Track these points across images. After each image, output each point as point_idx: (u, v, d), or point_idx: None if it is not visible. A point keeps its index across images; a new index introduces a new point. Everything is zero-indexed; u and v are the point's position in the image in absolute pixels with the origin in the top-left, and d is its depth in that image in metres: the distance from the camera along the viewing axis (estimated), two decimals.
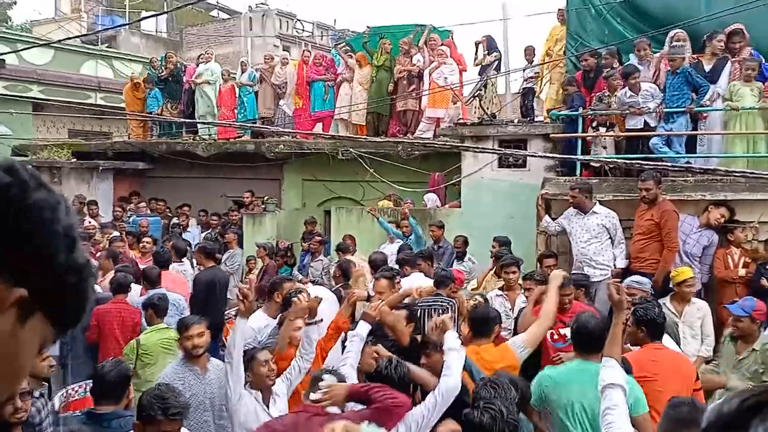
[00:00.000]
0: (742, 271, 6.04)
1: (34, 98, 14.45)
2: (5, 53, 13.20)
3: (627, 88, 7.04)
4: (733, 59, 6.98)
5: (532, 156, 7.95)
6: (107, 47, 19.88)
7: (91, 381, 3.63)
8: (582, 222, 6.45)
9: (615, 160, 6.07)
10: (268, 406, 3.59)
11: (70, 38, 15.93)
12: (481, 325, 4.24)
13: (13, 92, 14.23)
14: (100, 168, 12.07)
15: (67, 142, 13.47)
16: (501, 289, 5.88)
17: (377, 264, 6.26)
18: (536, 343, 4.26)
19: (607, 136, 7.31)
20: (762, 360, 4.38)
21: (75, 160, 12.13)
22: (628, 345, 3.98)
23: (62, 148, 12.53)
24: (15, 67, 14.30)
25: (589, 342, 3.48)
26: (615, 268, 6.30)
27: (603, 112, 7.29)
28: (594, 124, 7.42)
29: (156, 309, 4.99)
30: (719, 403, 0.62)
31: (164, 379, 3.80)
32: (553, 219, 6.83)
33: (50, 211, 0.70)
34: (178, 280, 6.72)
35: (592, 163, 7.42)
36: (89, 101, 15.53)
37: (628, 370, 3.45)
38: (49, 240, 0.69)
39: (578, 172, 7.38)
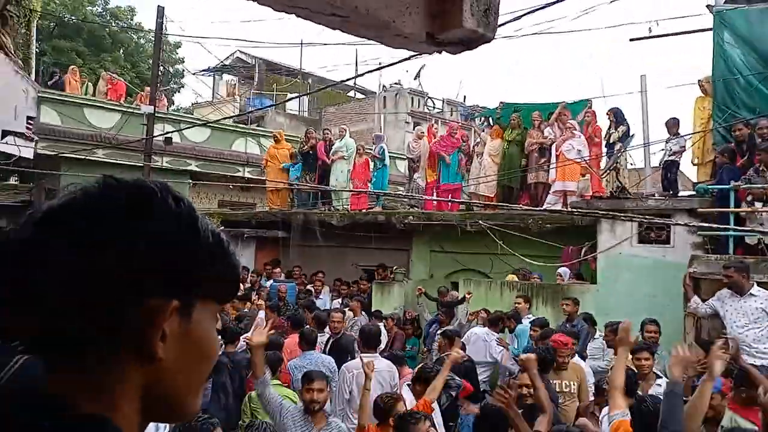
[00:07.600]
0: None
1: (192, 171, 16.06)
2: (171, 131, 14.90)
3: None
4: None
5: (677, 225, 7.45)
6: (256, 126, 21.75)
7: None
8: (738, 305, 5.87)
9: None
10: None
11: (225, 118, 17.68)
12: None
13: (175, 166, 15.92)
14: (245, 236, 12.98)
15: (217, 211, 14.74)
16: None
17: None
18: None
19: (764, 211, 6.71)
20: None
21: (223, 228, 13.18)
22: None
23: (213, 217, 13.68)
24: (178, 144, 16.04)
25: None
26: None
27: (759, 186, 6.73)
28: (749, 198, 6.86)
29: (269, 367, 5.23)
30: None
31: (282, 416, 4.07)
32: (703, 300, 6.28)
33: (195, 220, 0.73)
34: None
35: (746, 241, 6.83)
36: (238, 175, 16.95)
37: None
38: (205, 245, 0.73)
39: (731, 250, 6.80)
